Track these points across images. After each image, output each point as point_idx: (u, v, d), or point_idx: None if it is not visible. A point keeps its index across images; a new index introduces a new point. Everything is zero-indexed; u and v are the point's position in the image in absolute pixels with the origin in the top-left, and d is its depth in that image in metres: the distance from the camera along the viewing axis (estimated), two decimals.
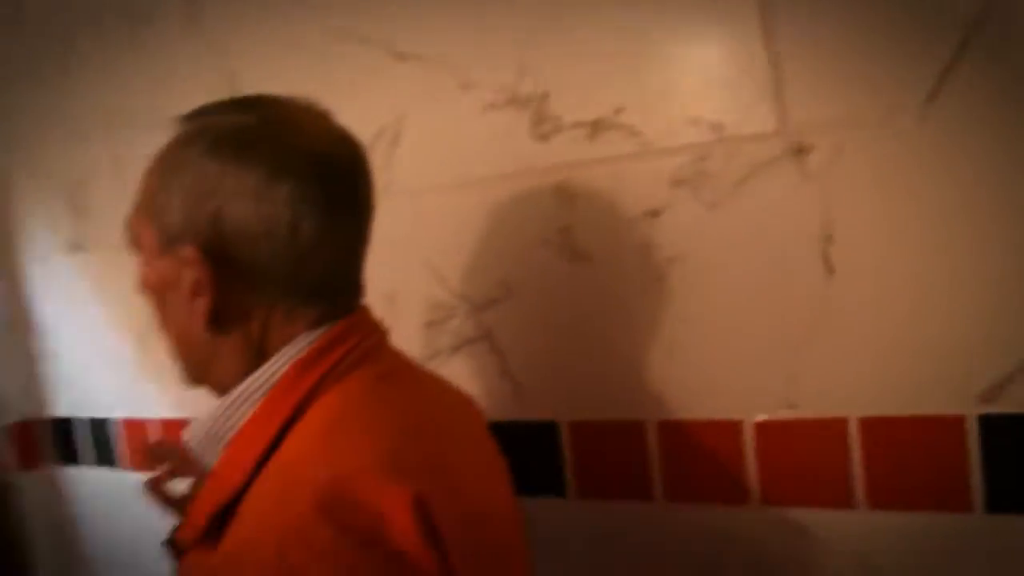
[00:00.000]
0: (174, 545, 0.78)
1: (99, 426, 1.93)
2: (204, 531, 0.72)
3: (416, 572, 0.63)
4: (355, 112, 1.30)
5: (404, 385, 0.81)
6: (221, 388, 0.80)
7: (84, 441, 1.98)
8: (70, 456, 2.03)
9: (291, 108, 0.79)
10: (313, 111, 0.80)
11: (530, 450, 1.26)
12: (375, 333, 0.83)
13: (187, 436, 0.80)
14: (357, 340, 0.78)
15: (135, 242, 0.81)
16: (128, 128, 1.68)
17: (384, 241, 1.33)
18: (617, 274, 1.15)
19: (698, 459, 1.13)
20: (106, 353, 1.87)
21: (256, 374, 0.76)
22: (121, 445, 1.89)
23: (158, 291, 0.79)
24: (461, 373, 1.27)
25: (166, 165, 0.77)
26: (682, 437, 1.14)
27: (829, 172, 1.00)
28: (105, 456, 1.93)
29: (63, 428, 2.03)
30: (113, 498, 1.95)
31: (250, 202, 0.72)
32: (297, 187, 0.73)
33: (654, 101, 1.09)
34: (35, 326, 2.04)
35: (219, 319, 0.76)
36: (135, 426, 1.83)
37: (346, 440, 0.70)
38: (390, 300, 1.34)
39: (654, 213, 1.11)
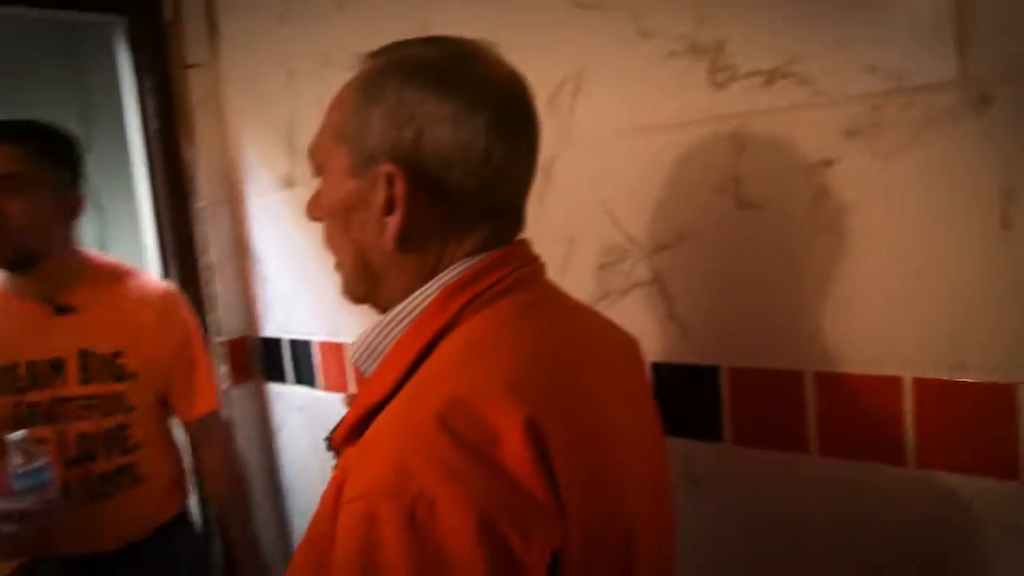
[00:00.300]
0: (331, 444, 0.87)
1: (301, 347, 2.12)
2: (350, 433, 0.80)
3: (522, 493, 0.66)
4: (540, 61, 1.36)
5: (547, 315, 0.84)
6: (383, 307, 0.87)
7: (287, 360, 2.18)
8: (275, 373, 2.24)
9: (475, 46, 0.84)
10: (491, 50, 0.85)
11: (691, 393, 1.29)
12: (530, 264, 0.86)
13: (351, 351, 0.88)
14: (509, 269, 0.82)
15: (319, 168, 0.89)
16: (334, 71, 1.82)
17: (565, 185, 1.40)
18: (787, 224, 1.16)
19: (855, 414, 1.13)
20: (310, 281, 2.04)
21: (413, 295, 0.82)
22: (319, 366, 2.06)
23: (343, 211, 0.85)
24: (630, 314, 1.32)
25: (363, 93, 0.82)
26: (840, 390, 1.14)
27: (1012, 124, 0.96)
28: (305, 375, 2.12)
29: (271, 347, 2.24)
30: (310, 414, 2.14)
31: (449, 128, 0.78)
32: (492, 117, 0.79)
33: (830, 49, 1.08)
34: (252, 254, 2.25)
35: (406, 237, 0.81)
36: (332, 349, 2.00)
37: (476, 362, 0.75)
38: (569, 242, 1.41)
39: (827, 163, 1.10)
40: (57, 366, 1.63)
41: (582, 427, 0.74)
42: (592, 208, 1.37)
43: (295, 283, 2.10)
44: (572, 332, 0.86)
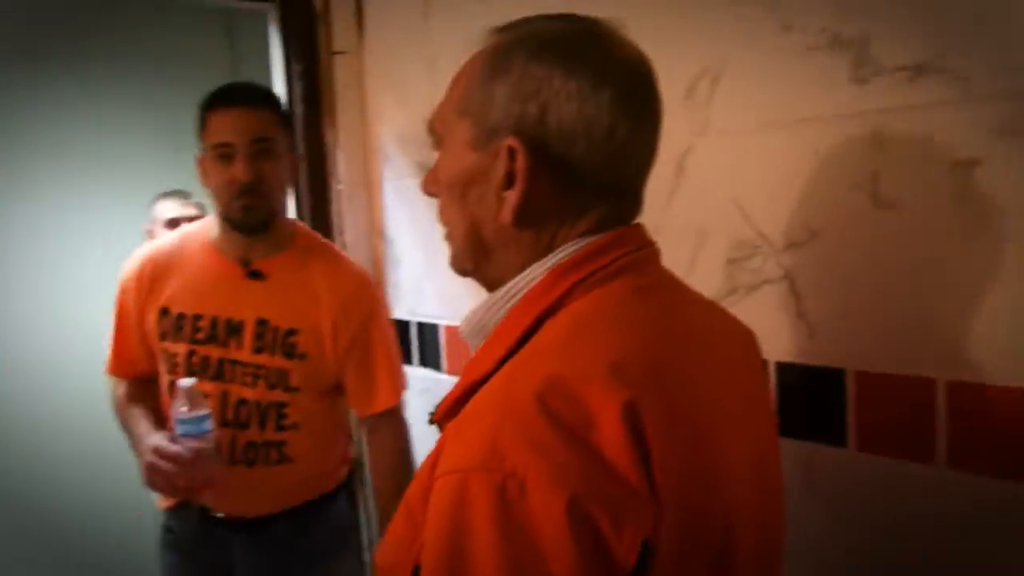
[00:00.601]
0: (433, 419, 0.88)
1: (428, 330, 2.17)
2: (452, 409, 0.80)
3: (616, 478, 0.65)
4: (678, 50, 1.36)
5: (657, 300, 0.83)
6: (493, 283, 0.87)
7: (414, 342, 2.23)
8: (403, 354, 2.30)
9: (603, 24, 0.84)
10: (618, 29, 0.84)
11: (816, 394, 1.27)
12: (645, 248, 0.85)
13: (462, 327, 0.90)
14: (623, 251, 0.81)
15: (439, 141, 0.89)
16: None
17: (698, 177, 1.39)
18: (926, 225, 1.12)
19: (989, 427, 1.08)
20: (440, 266, 2.08)
21: (524, 273, 0.83)
22: (444, 349, 2.11)
23: (461, 184, 0.85)
24: (757, 311, 1.30)
25: (488, 67, 0.82)
26: (974, 401, 1.09)
27: None
28: (430, 357, 2.17)
29: (398, 329, 2.30)
30: (430, 396, 2.19)
31: (574, 104, 0.78)
32: (617, 93, 0.78)
33: (979, 45, 1.04)
34: (385, 236, 2.32)
35: (524, 212, 0.81)
36: (458, 333, 2.04)
37: (580, 342, 0.75)
38: (700, 234, 1.40)
39: (973, 163, 1.06)
40: (235, 328, 1.67)
41: (684, 414, 0.73)
42: (723, 202, 1.36)
43: (425, 267, 2.16)
44: (682, 319, 0.85)
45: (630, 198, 0.85)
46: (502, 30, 0.85)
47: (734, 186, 1.35)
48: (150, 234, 2.72)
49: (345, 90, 2.33)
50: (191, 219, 2.57)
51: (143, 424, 1.66)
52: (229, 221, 1.68)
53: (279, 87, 2.39)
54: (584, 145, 0.79)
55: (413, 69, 2.11)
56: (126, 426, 1.72)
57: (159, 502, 1.83)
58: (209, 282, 1.69)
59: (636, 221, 0.87)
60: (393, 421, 1.84)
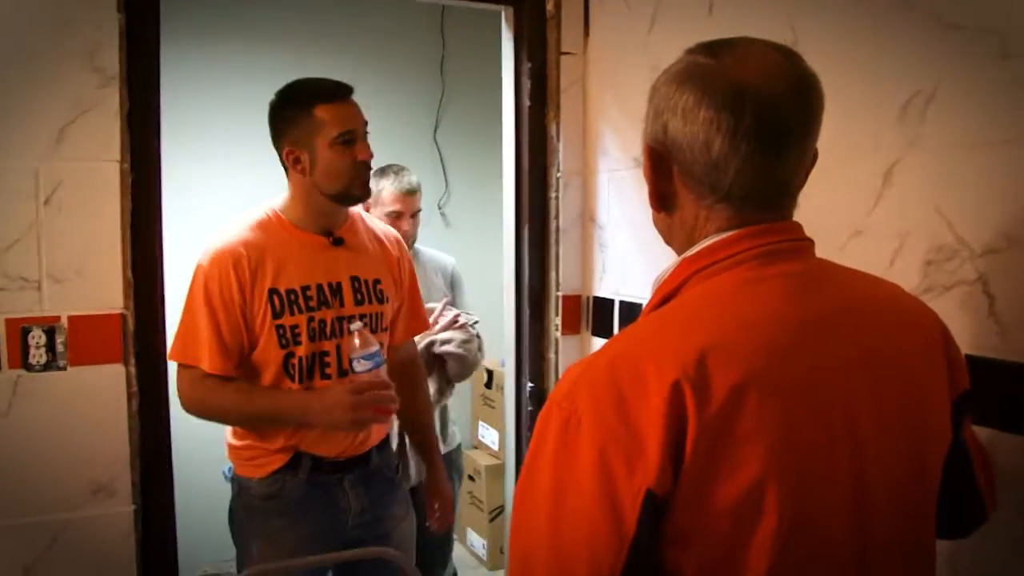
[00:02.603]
0: None
1: (629, 309, 2.39)
2: None
3: (637, 439, 0.84)
4: (897, 71, 1.51)
5: (759, 292, 0.95)
6: None
7: (616, 319, 2.46)
8: (602, 330, 2.54)
9: (744, 50, 0.97)
10: (766, 53, 0.97)
11: (1008, 389, 1.38)
12: (777, 243, 0.98)
13: None
14: (737, 250, 0.96)
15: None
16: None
17: (904, 187, 1.54)
18: None
19: None
20: (647, 251, 2.30)
21: (673, 262, 1.03)
22: None
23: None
24: (949, 308, 1.44)
25: (652, 88, 1.03)
26: None
27: None
28: None
29: (602, 306, 2.53)
30: None
31: (680, 120, 0.95)
32: (711, 114, 0.93)
33: None
34: (596, 221, 2.55)
35: (661, 201, 1.03)
36: None
37: (661, 327, 0.96)
38: (902, 236, 1.54)
39: None
40: (336, 289, 1.98)
41: (727, 397, 0.86)
42: (927, 210, 1.50)
43: (634, 251, 2.38)
44: (775, 311, 0.94)
45: (753, 202, 0.98)
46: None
47: (938, 196, 1.48)
48: (366, 207, 2.84)
49: (569, 87, 2.58)
50: (414, 212, 2.86)
51: (282, 391, 1.94)
52: (344, 199, 1.98)
53: (507, 81, 2.66)
54: (689, 155, 0.96)
55: (634, 71, 2.33)
56: (252, 402, 1.92)
57: (253, 471, 1.98)
58: (305, 256, 1.96)
59: (776, 222, 1.00)
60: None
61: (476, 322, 2.84)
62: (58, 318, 1.98)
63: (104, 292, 2.03)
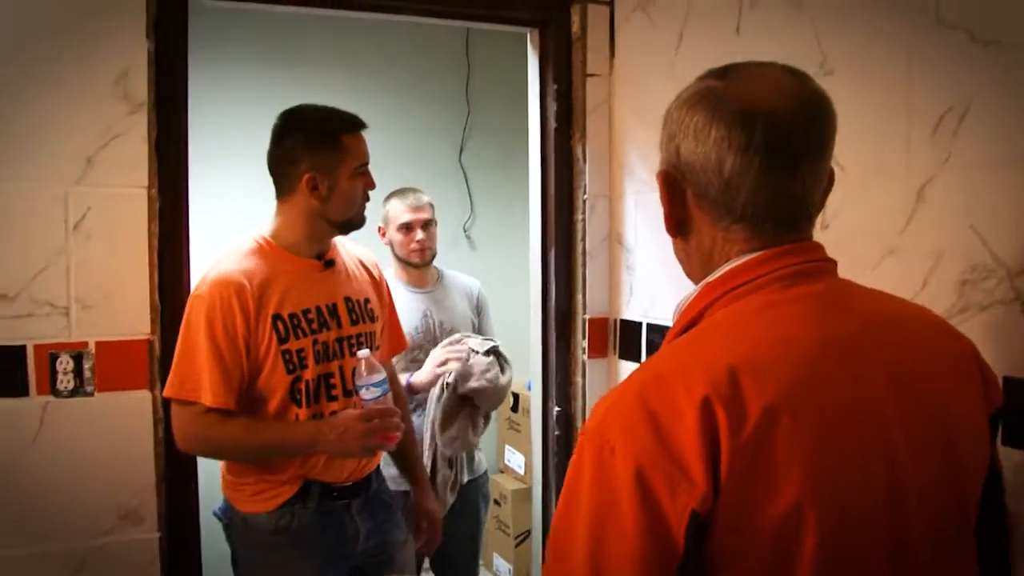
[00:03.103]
0: None
1: (657, 332, 2.36)
2: None
3: (676, 460, 0.84)
4: (929, 89, 1.49)
5: (781, 314, 0.95)
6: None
7: (643, 342, 2.43)
8: (629, 352, 2.51)
9: (754, 72, 0.99)
10: (776, 73, 0.99)
11: None
12: (798, 265, 0.97)
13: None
14: (759, 272, 0.96)
15: None
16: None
17: (938, 205, 1.52)
18: None
19: None
20: (674, 274, 2.27)
21: (695, 288, 1.03)
22: None
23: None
24: (987, 328, 1.41)
25: (666, 113, 1.04)
26: None
27: None
28: None
29: (629, 329, 2.51)
30: None
31: (692, 142, 0.96)
32: (723, 134, 0.94)
33: None
34: (623, 243, 2.53)
35: (678, 227, 1.04)
36: None
37: (687, 350, 0.96)
38: (936, 255, 1.51)
39: None
40: (333, 311, 2.01)
41: (761, 418, 0.86)
42: (961, 228, 1.47)
43: (661, 274, 2.36)
44: (801, 334, 0.94)
45: (769, 221, 0.98)
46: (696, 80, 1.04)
47: (973, 214, 1.45)
48: (381, 232, 2.91)
49: (595, 109, 2.57)
50: (425, 223, 2.86)
51: (289, 423, 1.94)
52: (349, 225, 2.03)
53: (533, 103, 2.66)
54: (702, 176, 0.97)
55: (660, 93, 2.29)
56: (260, 435, 1.92)
57: (260, 506, 1.95)
58: (301, 281, 1.98)
59: (796, 243, 0.99)
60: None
61: (494, 347, 2.81)
62: (86, 344, 1.99)
63: (131, 318, 2.04)
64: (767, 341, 0.92)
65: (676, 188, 1.01)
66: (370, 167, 2.03)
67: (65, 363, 1.97)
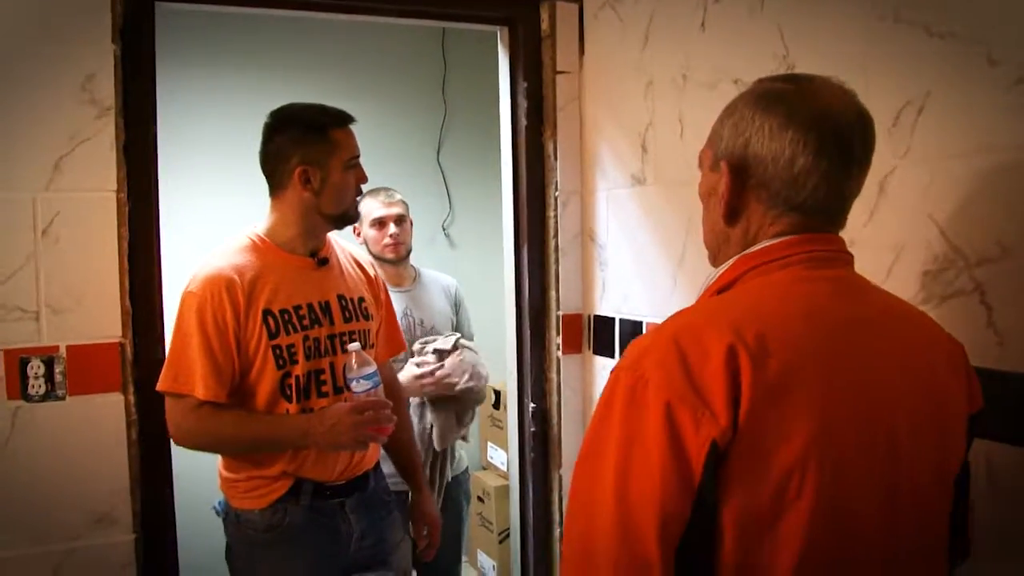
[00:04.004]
0: None
1: (630, 327, 2.38)
2: None
3: (702, 397, 0.94)
4: (887, 81, 1.51)
5: (808, 290, 1.05)
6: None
7: (617, 338, 2.44)
8: (604, 348, 2.52)
9: (820, 82, 1.09)
10: (837, 87, 1.09)
11: (1006, 399, 1.35)
12: (824, 252, 1.08)
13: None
14: (798, 251, 1.06)
15: (700, 163, 1.19)
16: (692, 85, 2.06)
17: (897, 197, 1.53)
18: None
19: None
20: (647, 269, 2.29)
21: (729, 260, 1.12)
22: None
23: (705, 196, 1.17)
24: (948, 319, 1.42)
25: (726, 110, 1.13)
26: None
27: None
28: None
29: (602, 325, 2.52)
30: None
31: (766, 139, 1.06)
32: (798, 135, 1.04)
33: None
34: (596, 240, 2.55)
35: (731, 215, 1.11)
36: None
37: (723, 306, 1.07)
38: (896, 249, 1.53)
39: None
40: (326, 308, 2.01)
41: (779, 369, 0.96)
42: (921, 220, 1.49)
43: (633, 270, 2.37)
44: (827, 307, 1.05)
45: (819, 214, 1.09)
46: (757, 82, 1.14)
47: (932, 205, 1.47)
48: (356, 231, 2.89)
49: (565, 106, 2.58)
50: (397, 218, 2.87)
51: (280, 416, 1.94)
52: (342, 219, 2.05)
53: (504, 101, 2.66)
54: (772, 169, 1.06)
55: (629, 90, 2.33)
56: (250, 428, 1.92)
57: (253, 503, 1.96)
58: (293, 277, 1.98)
59: (831, 234, 1.11)
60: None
61: (456, 340, 2.84)
62: (57, 348, 1.98)
63: (102, 322, 2.03)
64: (792, 311, 1.02)
65: (738, 177, 1.09)
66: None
67: (36, 368, 1.97)
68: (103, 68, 2.01)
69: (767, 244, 1.08)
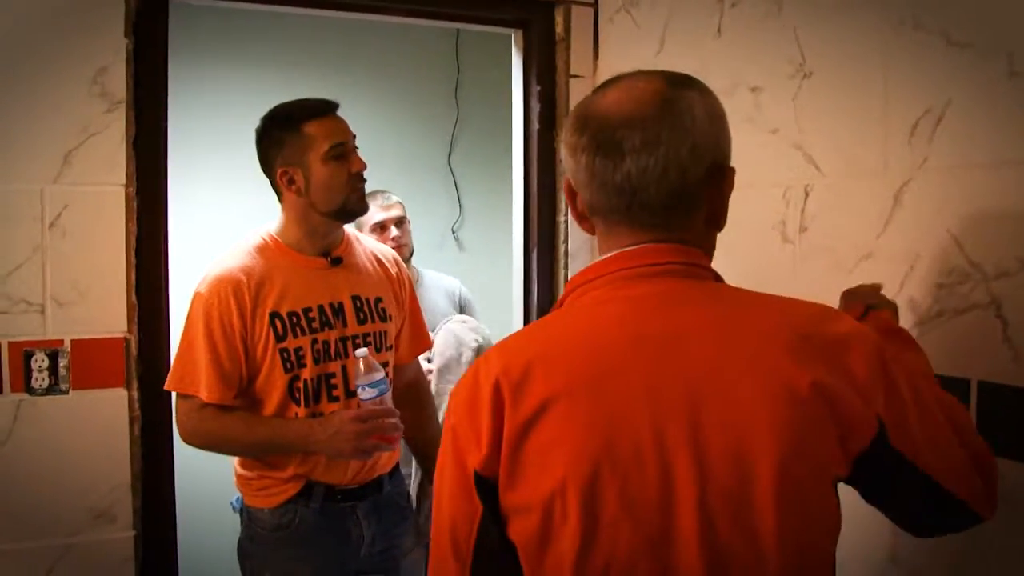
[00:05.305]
0: None
1: None
2: None
3: (472, 423, 1.00)
4: (906, 91, 1.49)
5: (603, 313, 1.03)
6: None
7: None
8: None
9: (618, 82, 1.06)
10: (634, 83, 1.04)
11: (1021, 415, 1.33)
12: (638, 268, 1.02)
13: None
14: (606, 270, 1.04)
15: None
16: None
17: (914, 208, 1.51)
18: None
19: None
20: None
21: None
22: None
23: None
24: (963, 334, 1.41)
25: None
26: None
27: None
28: None
29: None
30: None
31: (566, 154, 1.07)
32: (573, 139, 1.05)
33: None
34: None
35: (590, 232, 1.11)
36: None
37: (527, 330, 1.20)
38: (912, 260, 1.51)
39: None
40: (338, 310, 1.96)
41: (541, 397, 0.98)
42: (938, 231, 1.47)
43: None
44: (607, 329, 1.01)
45: (616, 216, 1.05)
46: None
47: (949, 217, 1.45)
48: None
49: None
50: (397, 220, 2.86)
51: (283, 420, 1.91)
52: (343, 214, 1.97)
53: (517, 105, 2.64)
54: (574, 180, 1.08)
55: None
56: (252, 431, 1.91)
57: (264, 501, 1.94)
58: (304, 278, 1.95)
59: (658, 243, 1.03)
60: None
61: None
62: (61, 342, 1.98)
63: (108, 316, 2.03)
64: (573, 334, 1.03)
65: (571, 194, 1.10)
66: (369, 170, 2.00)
67: (40, 361, 1.96)
68: (115, 62, 2.00)
69: (592, 263, 1.09)
